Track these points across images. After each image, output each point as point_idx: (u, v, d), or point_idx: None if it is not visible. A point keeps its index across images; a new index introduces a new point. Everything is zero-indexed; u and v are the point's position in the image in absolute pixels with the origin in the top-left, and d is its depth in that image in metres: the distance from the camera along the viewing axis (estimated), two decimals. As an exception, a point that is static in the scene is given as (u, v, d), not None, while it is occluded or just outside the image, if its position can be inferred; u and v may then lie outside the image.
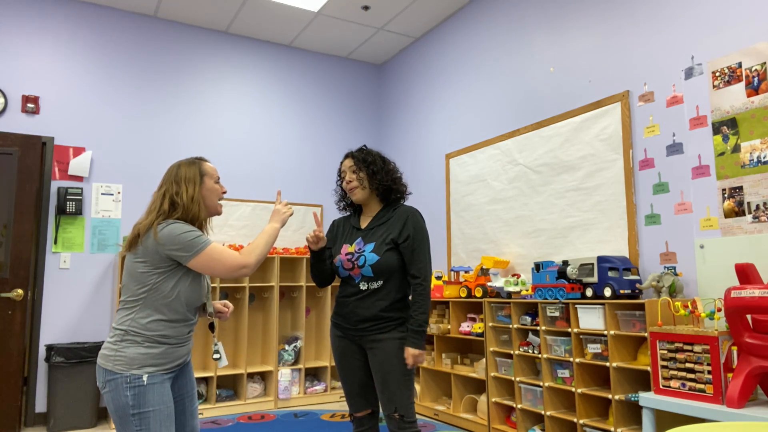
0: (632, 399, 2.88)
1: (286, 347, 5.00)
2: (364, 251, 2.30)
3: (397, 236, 2.29)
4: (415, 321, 2.23)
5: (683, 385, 2.53)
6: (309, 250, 2.22)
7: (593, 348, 3.11)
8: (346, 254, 2.32)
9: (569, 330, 3.23)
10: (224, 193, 2.12)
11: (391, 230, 2.32)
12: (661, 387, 2.63)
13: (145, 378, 1.84)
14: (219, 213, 2.12)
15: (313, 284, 5.20)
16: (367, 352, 2.30)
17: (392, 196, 2.42)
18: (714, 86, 2.98)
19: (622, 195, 3.41)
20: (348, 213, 2.54)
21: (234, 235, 5.14)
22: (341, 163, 2.46)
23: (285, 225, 2.12)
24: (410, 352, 2.21)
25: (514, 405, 3.60)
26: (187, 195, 1.99)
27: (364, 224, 2.42)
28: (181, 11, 4.96)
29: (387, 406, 2.24)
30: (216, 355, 1.98)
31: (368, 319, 2.26)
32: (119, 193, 4.72)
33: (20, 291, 4.11)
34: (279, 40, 5.55)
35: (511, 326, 3.64)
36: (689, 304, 2.75)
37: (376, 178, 2.37)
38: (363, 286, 2.28)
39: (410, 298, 2.30)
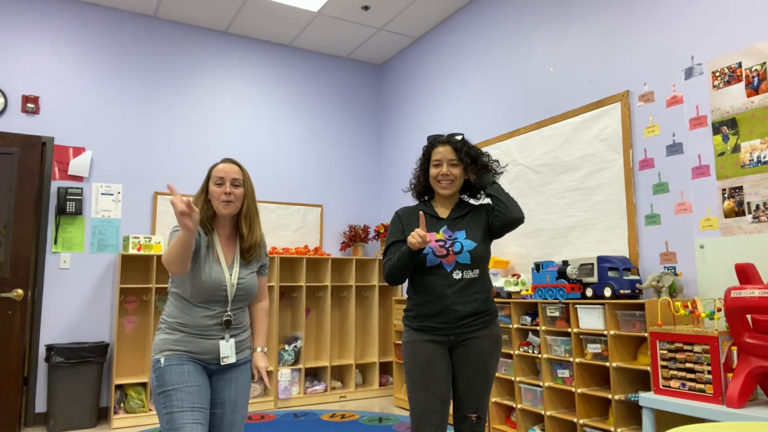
0: (632, 399, 2.88)
1: (286, 347, 5.00)
2: (457, 238, 2.17)
3: (486, 224, 2.23)
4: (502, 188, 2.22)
5: (683, 385, 2.53)
6: (408, 251, 2.05)
7: (593, 348, 3.10)
8: (437, 240, 2.16)
9: (569, 330, 3.23)
10: (225, 194, 2.04)
11: (479, 220, 2.23)
12: (661, 387, 2.63)
13: (162, 360, 1.97)
14: (222, 214, 2.07)
15: (313, 284, 5.19)
16: (457, 349, 2.16)
17: (471, 192, 2.35)
18: (714, 86, 2.98)
19: (622, 195, 3.41)
20: (418, 201, 2.39)
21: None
22: (432, 147, 2.26)
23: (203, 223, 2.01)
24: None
25: (514, 405, 3.59)
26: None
27: (443, 214, 2.28)
28: (181, 11, 4.96)
29: (468, 405, 2.14)
30: (224, 353, 2.01)
31: (469, 315, 2.12)
32: (119, 193, 4.72)
33: (20, 291, 4.11)
34: (279, 40, 5.55)
35: (511, 326, 3.64)
36: (689, 304, 2.75)
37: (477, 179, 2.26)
38: (456, 276, 2.12)
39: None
